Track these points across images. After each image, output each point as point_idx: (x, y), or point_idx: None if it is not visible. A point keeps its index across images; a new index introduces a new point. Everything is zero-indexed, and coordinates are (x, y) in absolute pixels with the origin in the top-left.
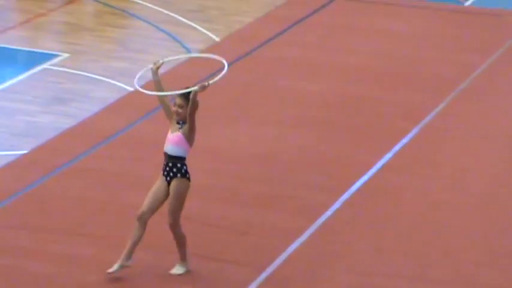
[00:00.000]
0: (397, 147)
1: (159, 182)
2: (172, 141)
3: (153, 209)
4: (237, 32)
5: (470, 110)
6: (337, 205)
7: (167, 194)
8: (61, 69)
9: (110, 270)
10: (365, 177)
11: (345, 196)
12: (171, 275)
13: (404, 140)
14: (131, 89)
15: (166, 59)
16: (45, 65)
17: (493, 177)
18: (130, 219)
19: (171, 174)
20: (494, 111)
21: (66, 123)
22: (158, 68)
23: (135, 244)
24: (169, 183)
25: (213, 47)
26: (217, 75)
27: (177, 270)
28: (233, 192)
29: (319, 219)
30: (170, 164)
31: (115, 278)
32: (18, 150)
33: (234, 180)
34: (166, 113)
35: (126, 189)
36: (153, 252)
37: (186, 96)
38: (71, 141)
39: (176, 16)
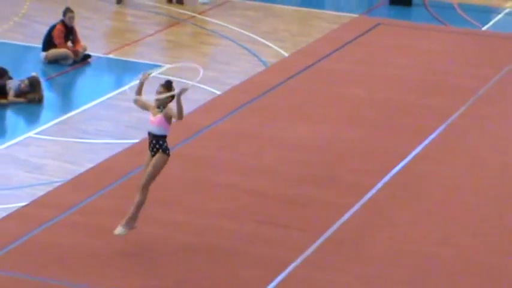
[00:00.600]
0: (427, 141)
1: (147, 156)
2: (155, 122)
3: (145, 175)
4: (301, 49)
5: (486, 112)
6: (379, 185)
7: None
8: (166, 77)
9: (117, 232)
10: (402, 164)
11: (386, 178)
12: (246, 232)
13: (433, 135)
14: (219, 92)
15: (153, 73)
16: (153, 74)
17: (505, 165)
18: (218, 195)
19: (155, 149)
20: (505, 113)
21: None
22: (146, 78)
23: (138, 208)
24: (153, 156)
25: (283, 61)
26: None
27: (119, 231)
28: (296, 174)
29: (365, 196)
30: (154, 141)
31: (201, 241)
32: (132, 139)
33: (298, 165)
34: (145, 108)
35: (213, 170)
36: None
37: (166, 86)
38: (173, 133)
39: (254, 36)
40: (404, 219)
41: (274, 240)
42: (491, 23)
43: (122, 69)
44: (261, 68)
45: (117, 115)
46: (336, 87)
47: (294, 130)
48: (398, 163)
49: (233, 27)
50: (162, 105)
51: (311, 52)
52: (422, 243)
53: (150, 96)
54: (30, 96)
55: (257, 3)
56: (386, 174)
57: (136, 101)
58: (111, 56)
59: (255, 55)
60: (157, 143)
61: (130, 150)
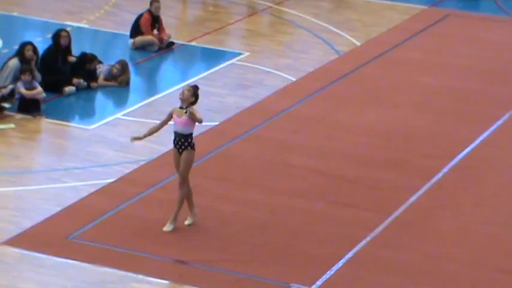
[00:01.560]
0: (492, 128)
1: (175, 154)
2: (181, 123)
3: (180, 173)
4: (373, 39)
5: None
6: (445, 169)
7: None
8: (244, 63)
9: (165, 229)
10: (468, 149)
11: (452, 163)
12: (317, 211)
13: (498, 122)
14: (294, 79)
15: (137, 141)
16: (233, 61)
17: None
18: (293, 176)
19: (183, 146)
20: None
21: (247, 103)
22: (136, 138)
23: (181, 204)
24: (180, 153)
25: (355, 50)
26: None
27: (168, 227)
28: (366, 157)
29: (432, 179)
30: (182, 140)
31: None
32: (211, 122)
33: (367, 149)
34: (168, 122)
35: (289, 153)
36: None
37: (191, 87)
38: (252, 116)
39: (329, 26)
40: (469, 202)
41: (343, 220)
42: None
43: (204, 55)
44: (334, 56)
45: (199, 99)
46: (405, 76)
47: (364, 115)
48: (464, 149)
49: (308, 17)
50: (185, 104)
51: (382, 42)
52: (485, 224)
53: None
54: (121, 79)
55: None
56: (452, 159)
57: (152, 133)
58: (193, 43)
59: (328, 44)
60: (186, 141)
61: (211, 131)
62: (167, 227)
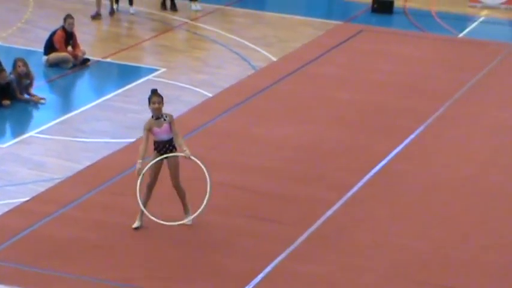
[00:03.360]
0: (406, 141)
1: (157, 164)
2: (165, 132)
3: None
4: (289, 54)
5: (461, 113)
6: (361, 183)
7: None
8: (160, 79)
9: (185, 222)
10: (383, 163)
11: (367, 176)
12: (235, 226)
13: (412, 136)
14: (210, 95)
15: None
16: (149, 77)
17: (480, 162)
18: (214, 192)
19: (168, 151)
20: (480, 113)
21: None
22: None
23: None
24: (166, 157)
25: (271, 65)
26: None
27: (187, 220)
28: (283, 172)
29: (348, 193)
30: (167, 145)
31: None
32: (128, 139)
33: (285, 163)
34: (149, 136)
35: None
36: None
37: (159, 95)
38: None
39: (245, 42)
40: (384, 215)
41: (262, 234)
42: (466, 30)
43: (119, 72)
44: (251, 71)
45: (114, 116)
46: (321, 90)
47: (281, 130)
48: (379, 162)
49: (224, 33)
50: (159, 114)
51: (298, 57)
52: (401, 236)
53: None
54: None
55: (246, 10)
56: (367, 172)
57: (144, 154)
58: (108, 59)
59: (245, 59)
60: (170, 144)
61: (126, 149)
62: (185, 221)
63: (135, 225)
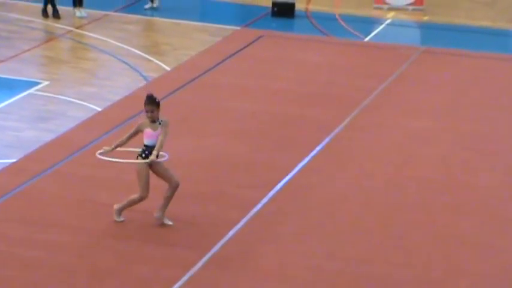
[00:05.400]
0: (312, 153)
1: (145, 168)
2: (154, 136)
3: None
4: (184, 63)
5: (369, 122)
6: (265, 200)
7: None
8: (43, 93)
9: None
10: (287, 177)
11: (271, 193)
12: (131, 251)
13: (318, 147)
14: (99, 109)
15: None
16: (31, 91)
17: (390, 176)
18: (101, 214)
19: (149, 155)
20: (388, 122)
21: (48, 136)
22: (105, 150)
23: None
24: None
25: (165, 75)
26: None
27: (167, 220)
28: (181, 190)
29: (251, 211)
30: (148, 151)
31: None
32: (7, 159)
33: (182, 181)
34: (135, 135)
35: (96, 189)
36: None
37: (152, 100)
38: (52, 151)
39: (135, 50)
40: (291, 233)
41: (158, 260)
42: (373, 33)
43: None
44: (142, 83)
45: None
46: (219, 101)
47: (177, 145)
48: (284, 177)
49: (112, 41)
50: (156, 119)
51: (193, 66)
52: (308, 256)
53: None
54: None
55: (136, 16)
56: (272, 188)
57: (119, 146)
58: None
59: (135, 70)
60: (150, 152)
61: (8, 169)
62: (163, 220)
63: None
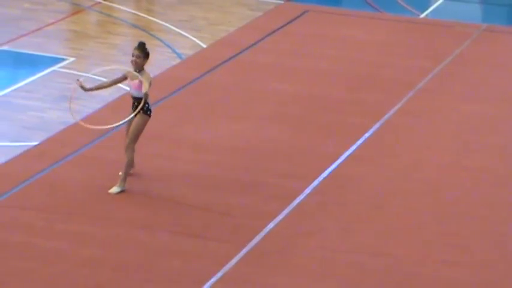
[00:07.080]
0: (360, 141)
1: (130, 117)
2: (135, 86)
3: (126, 135)
4: (221, 40)
5: (423, 107)
6: (307, 191)
7: None
8: (68, 71)
9: (111, 190)
10: (332, 166)
11: (315, 183)
12: (160, 243)
13: (367, 134)
14: (128, 88)
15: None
16: (55, 68)
17: (443, 166)
18: (128, 203)
19: (138, 106)
20: (444, 107)
21: (73, 118)
22: (82, 86)
23: (128, 169)
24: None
25: (200, 53)
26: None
27: (114, 190)
28: (215, 179)
29: (292, 203)
30: (136, 103)
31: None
32: (29, 142)
33: (216, 169)
34: (119, 82)
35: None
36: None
37: (142, 48)
38: (76, 135)
39: (168, 25)
40: (334, 228)
41: (190, 253)
42: (429, 9)
43: (19, 62)
44: (176, 61)
45: (13, 115)
46: (259, 82)
47: (212, 130)
48: (328, 166)
49: (143, 15)
50: (138, 68)
51: (231, 43)
52: (352, 253)
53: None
54: None
55: None
56: (315, 178)
57: (100, 88)
58: (5, 47)
59: (168, 46)
60: (139, 104)
61: (29, 153)
62: (113, 189)
63: (113, 190)
